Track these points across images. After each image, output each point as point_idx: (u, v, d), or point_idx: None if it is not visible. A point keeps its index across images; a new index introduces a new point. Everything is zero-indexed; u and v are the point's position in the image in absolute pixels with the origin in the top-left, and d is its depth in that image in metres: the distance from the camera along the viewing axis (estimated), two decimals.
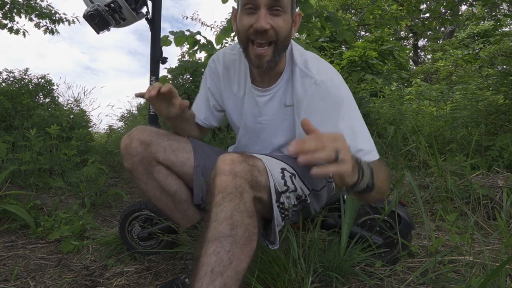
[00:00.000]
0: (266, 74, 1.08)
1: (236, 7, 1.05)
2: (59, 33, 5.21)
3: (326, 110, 0.99)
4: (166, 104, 1.05)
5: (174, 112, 1.06)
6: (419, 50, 15.80)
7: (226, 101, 1.23)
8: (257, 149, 1.18)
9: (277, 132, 1.12)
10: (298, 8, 2.70)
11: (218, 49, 2.70)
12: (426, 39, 15.27)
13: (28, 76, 4.00)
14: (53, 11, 5.07)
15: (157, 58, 1.85)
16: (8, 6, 4.68)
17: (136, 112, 5.46)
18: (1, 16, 4.79)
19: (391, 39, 10.37)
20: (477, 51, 10.51)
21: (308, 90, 1.02)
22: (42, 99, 3.91)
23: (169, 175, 1.18)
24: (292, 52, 1.08)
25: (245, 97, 1.16)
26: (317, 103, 1.01)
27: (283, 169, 1.00)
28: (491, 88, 3.49)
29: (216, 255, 0.76)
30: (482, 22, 11.40)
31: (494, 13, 5.63)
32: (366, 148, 0.96)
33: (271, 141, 1.15)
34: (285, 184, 0.98)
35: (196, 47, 2.76)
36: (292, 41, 1.09)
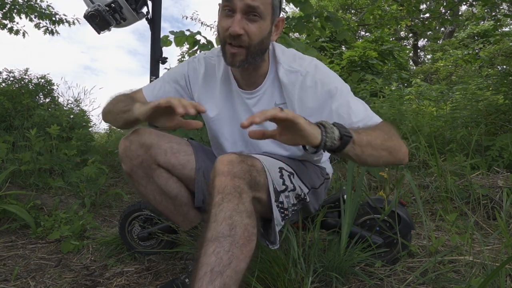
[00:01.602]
0: (250, 77, 1.08)
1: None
2: (59, 33, 5.22)
3: (318, 96, 1.02)
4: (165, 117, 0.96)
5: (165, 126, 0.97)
6: (419, 50, 15.81)
7: (205, 104, 1.17)
8: (251, 152, 1.15)
9: None
10: (298, 8, 2.70)
11: None
12: (426, 39, 15.28)
13: (28, 76, 4.01)
14: (53, 12, 5.07)
15: (157, 58, 1.85)
16: (8, 6, 4.68)
17: None
18: (1, 16, 4.80)
19: (391, 39, 10.38)
20: (477, 51, 10.50)
21: (296, 83, 1.04)
22: (42, 99, 3.92)
23: (169, 178, 1.17)
24: (274, 52, 1.08)
25: (233, 101, 1.13)
26: (307, 91, 1.03)
27: (281, 169, 1.00)
28: (491, 88, 3.49)
29: (216, 255, 0.76)
30: (482, 22, 11.40)
31: (494, 13, 5.63)
32: (360, 118, 0.98)
33: (265, 144, 1.13)
34: (283, 184, 0.98)
35: (196, 47, 2.75)
36: (273, 42, 1.10)
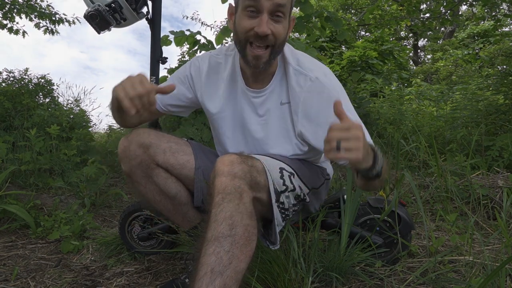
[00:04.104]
0: (259, 75, 1.08)
1: (233, 4, 1.04)
2: (59, 33, 5.22)
3: (322, 105, 1.02)
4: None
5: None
6: (419, 50, 15.81)
7: (208, 101, 1.17)
8: (252, 151, 1.15)
9: (275, 131, 1.11)
10: (298, 8, 2.70)
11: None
12: (426, 39, 15.28)
13: (28, 76, 4.00)
14: (53, 12, 5.07)
15: (157, 58, 1.84)
16: (8, 6, 4.68)
17: None
18: (1, 16, 4.79)
19: (391, 39, 10.37)
20: (477, 51, 10.51)
21: (304, 86, 1.04)
22: (42, 99, 3.91)
23: (168, 178, 1.17)
24: (283, 51, 1.08)
25: (238, 100, 1.13)
26: (313, 98, 1.03)
27: (281, 169, 1.00)
28: (491, 88, 3.49)
29: (216, 255, 0.76)
30: (482, 22, 11.40)
31: (494, 13, 5.63)
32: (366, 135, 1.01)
33: (268, 142, 1.12)
34: (284, 184, 0.98)
35: (196, 47, 2.76)
36: None
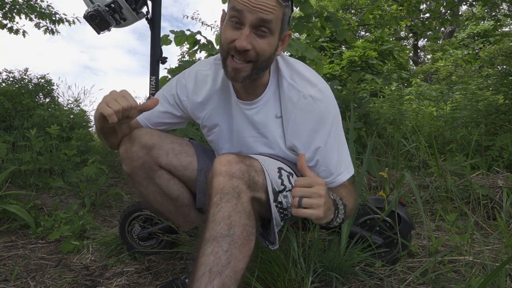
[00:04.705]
0: (249, 87, 1.04)
1: (226, 10, 0.99)
2: (59, 33, 5.22)
3: (314, 124, 1.00)
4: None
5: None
6: (419, 50, 15.82)
7: (200, 116, 1.15)
8: None
9: (269, 143, 1.09)
10: (298, 8, 2.70)
11: (218, 49, 2.70)
12: (426, 39, 15.29)
13: (28, 76, 4.01)
14: (53, 12, 5.08)
15: (157, 58, 1.85)
16: (8, 6, 4.68)
17: None
18: (1, 16, 4.80)
19: (391, 39, 10.37)
20: (477, 51, 10.53)
21: (297, 103, 1.00)
22: (42, 99, 3.92)
23: (171, 179, 1.16)
24: (277, 64, 1.05)
25: (232, 112, 1.10)
26: (305, 116, 1.00)
27: (280, 169, 1.00)
28: (491, 88, 3.50)
29: (214, 255, 0.76)
30: (482, 22, 11.41)
31: (494, 13, 5.64)
32: (344, 169, 1.05)
33: (263, 153, 1.10)
34: (282, 184, 0.97)
35: (196, 47, 2.76)
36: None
